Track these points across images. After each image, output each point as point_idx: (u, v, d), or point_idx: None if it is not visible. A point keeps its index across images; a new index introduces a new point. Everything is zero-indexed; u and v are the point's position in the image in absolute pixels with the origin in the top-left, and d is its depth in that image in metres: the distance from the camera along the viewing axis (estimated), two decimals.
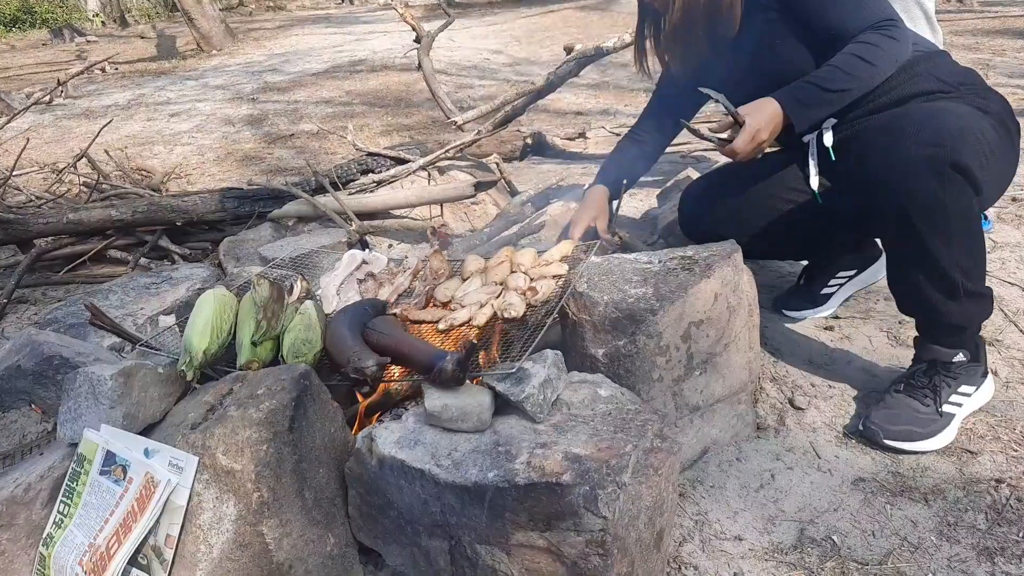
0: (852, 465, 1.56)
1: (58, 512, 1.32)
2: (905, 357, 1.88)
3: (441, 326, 1.48)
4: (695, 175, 2.79)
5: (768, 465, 1.58)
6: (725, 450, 1.61)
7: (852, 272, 2.13)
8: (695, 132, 1.61)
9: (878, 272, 2.15)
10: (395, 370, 1.45)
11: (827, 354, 1.95)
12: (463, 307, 1.52)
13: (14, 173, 3.32)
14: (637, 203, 3.19)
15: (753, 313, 1.65)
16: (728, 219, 1.91)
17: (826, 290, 2.11)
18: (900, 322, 2.02)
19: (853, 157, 1.61)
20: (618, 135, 3.34)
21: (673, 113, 1.95)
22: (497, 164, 2.58)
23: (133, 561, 1.24)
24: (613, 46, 2.90)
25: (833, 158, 1.68)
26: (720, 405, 1.59)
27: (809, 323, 2.08)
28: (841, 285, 2.12)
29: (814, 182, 1.74)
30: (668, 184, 2.81)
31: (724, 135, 1.60)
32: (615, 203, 2.09)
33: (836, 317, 2.10)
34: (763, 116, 1.58)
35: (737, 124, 1.58)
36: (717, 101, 1.55)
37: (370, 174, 2.94)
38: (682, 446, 1.49)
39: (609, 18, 10.82)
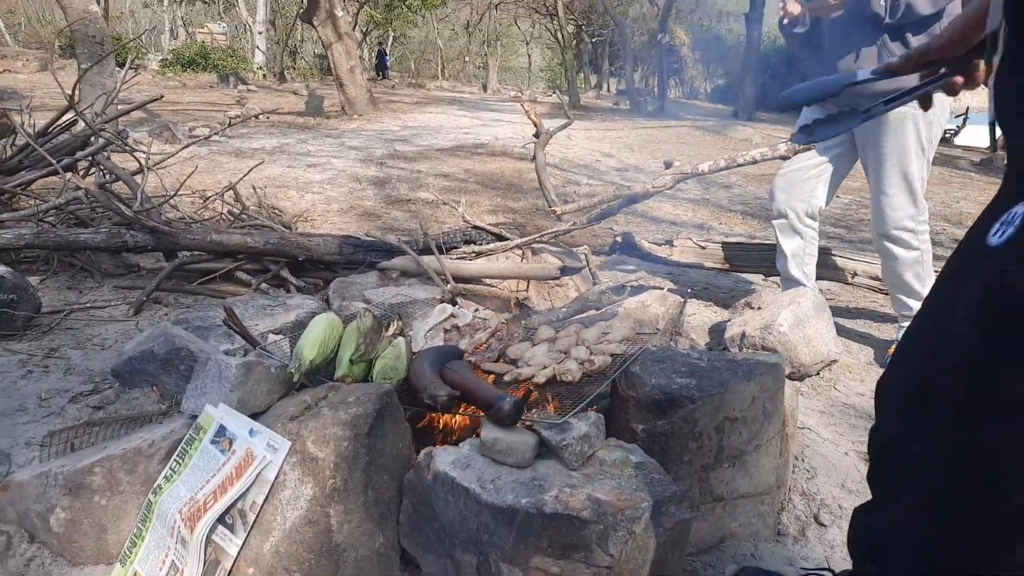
0: None
1: (170, 468, 1.60)
2: None
3: (507, 378, 1.71)
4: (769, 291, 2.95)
5: (779, 568, 1.68)
6: (742, 544, 1.73)
7: None
8: None
9: None
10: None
11: (862, 482, 2.03)
12: (528, 366, 1.75)
13: (172, 194, 3.86)
14: (711, 314, 3.37)
15: (788, 425, 1.80)
16: None
17: None
18: None
19: None
20: (703, 248, 3.55)
21: None
22: (586, 255, 2.84)
23: (222, 519, 1.50)
24: (708, 168, 3.15)
25: None
26: (744, 501, 1.72)
27: (851, 450, 2.17)
28: None
29: None
30: (739, 303, 2.98)
31: None
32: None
33: None
34: None
35: None
36: None
37: (471, 244, 3.28)
38: (695, 520, 1.63)
39: (722, 141, 11.21)
